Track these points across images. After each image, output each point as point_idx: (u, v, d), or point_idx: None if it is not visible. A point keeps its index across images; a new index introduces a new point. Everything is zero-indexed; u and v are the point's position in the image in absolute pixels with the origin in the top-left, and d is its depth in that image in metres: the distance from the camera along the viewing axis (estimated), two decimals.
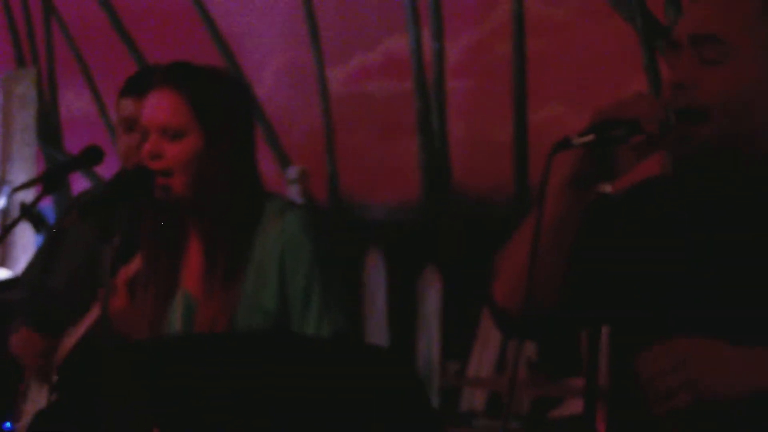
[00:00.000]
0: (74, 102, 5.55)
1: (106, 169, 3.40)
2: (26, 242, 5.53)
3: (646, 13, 4.22)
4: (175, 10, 5.28)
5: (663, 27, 4.17)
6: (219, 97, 2.65)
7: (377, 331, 4.60)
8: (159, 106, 2.63)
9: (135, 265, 2.69)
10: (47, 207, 5.41)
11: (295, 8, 5.00)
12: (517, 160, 4.47)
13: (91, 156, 3.04)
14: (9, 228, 3.08)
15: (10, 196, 5.42)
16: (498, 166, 4.49)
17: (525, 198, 4.41)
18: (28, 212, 2.93)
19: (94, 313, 2.98)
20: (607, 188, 1.96)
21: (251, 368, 1.88)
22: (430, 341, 4.48)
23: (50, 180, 2.90)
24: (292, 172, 4.83)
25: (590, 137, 1.97)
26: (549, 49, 4.44)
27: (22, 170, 5.70)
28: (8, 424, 3.25)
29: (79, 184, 5.08)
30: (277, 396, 1.87)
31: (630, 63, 4.22)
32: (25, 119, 5.71)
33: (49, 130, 5.68)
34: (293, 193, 4.78)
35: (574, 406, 3.59)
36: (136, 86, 3.13)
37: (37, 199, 2.89)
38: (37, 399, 3.15)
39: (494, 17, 4.58)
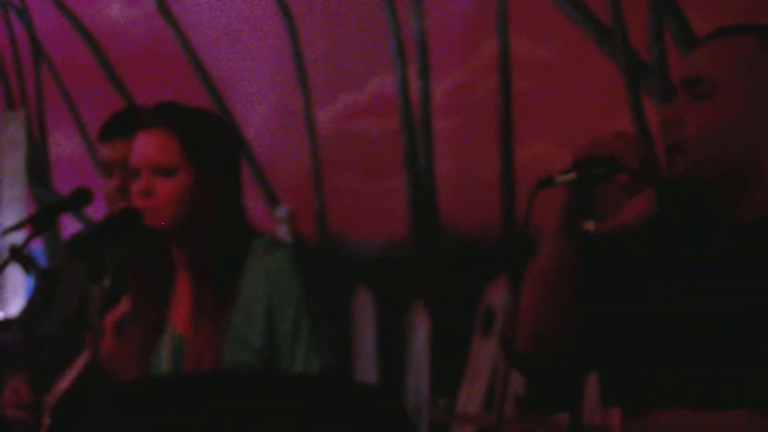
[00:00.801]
0: (63, 143, 5.57)
1: (97, 211, 3.43)
2: (17, 284, 5.54)
3: (630, 52, 4.26)
4: (164, 52, 5.32)
5: (646, 66, 4.21)
6: (208, 135, 2.69)
7: (366, 368, 4.61)
8: (150, 145, 2.67)
9: (123, 306, 2.71)
10: (37, 249, 5.42)
11: (282, 50, 5.04)
12: (504, 197, 4.50)
13: (80, 197, 3.06)
14: None
15: (0, 239, 5.44)
16: (485, 204, 4.51)
17: (512, 235, 4.43)
18: (18, 254, 2.94)
19: (85, 356, 2.99)
20: (590, 226, 1.98)
21: (239, 407, 1.88)
22: (419, 377, 4.49)
23: (39, 221, 2.91)
24: (281, 211, 4.86)
25: (572, 175, 2.01)
26: (534, 87, 4.48)
27: (12, 212, 5.71)
28: None
29: (69, 225, 5.10)
30: None
31: (614, 101, 4.26)
32: (14, 161, 5.74)
33: (38, 171, 5.70)
34: (282, 232, 4.80)
35: None
36: (110, 131, 3.18)
37: (27, 240, 2.91)
38: None
39: (480, 56, 4.61)
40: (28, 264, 3.02)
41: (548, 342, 2.04)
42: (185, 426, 1.89)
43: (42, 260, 5.36)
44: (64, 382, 3.07)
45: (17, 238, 3.65)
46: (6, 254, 2.98)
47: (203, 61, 5.25)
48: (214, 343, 2.58)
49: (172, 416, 1.90)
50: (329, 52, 4.93)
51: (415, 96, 4.74)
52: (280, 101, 5.06)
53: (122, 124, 3.20)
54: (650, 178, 2.05)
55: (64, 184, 5.42)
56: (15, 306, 5.48)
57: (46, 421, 2.98)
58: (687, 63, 2.11)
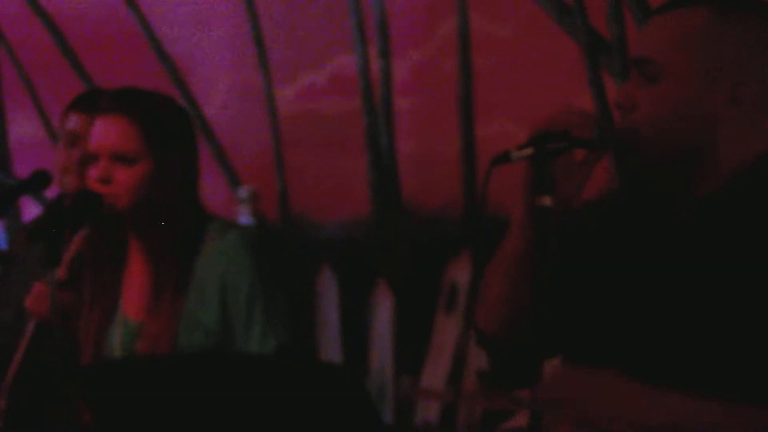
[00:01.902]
0: (23, 127, 5.54)
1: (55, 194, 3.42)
2: None
3: (590, 30, 4.27)
4: (123, 33, 5.29)
5: (606, 43, 4.23)
6: (168, 123, 2.70)
7: (331, 347, 4.62)
8: (110, 132, 2.67)
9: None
10: None
11: (242, 30, 5.03)
12: (465, 175, 4.51)
13: (39, 180, 3.06)
14: None
15: None
16: (447, 182, 4.53)
17: (473, 213, 4.45)
18: None
19: (27, 334, 2.97)
20: (547, 201, 1.99)
21: (195, 389, 1.89)
22: (383, 356, 4.50)
23: None
24: (243, 192, 4.85)
25: (527, 151, 2.01)
26: (495, 65, 4.49)
27: None
28: None
29: (30, 208, 5.08)
30: (222, 416, 1.88)
31: (575, 79, 4.28)
32: None
33: None
34: (244, 212, 4.80)
35: (526, 418, 3.62)
36: (85, 103, 3.15)
37: None
38: None
39: (440, 35, 4.62)
40: None
41: (515, 322, 2.04)
42: (139, 408, 1.89)
43: (2, 243, 5.34)
44: (15, 364, 3.06)
45: None
46: None
47: (163, 42, 5.23)
48: (170, 327, 2.59)
49: (126, 399, 1.90)
50: (289, 31, 4.92)
51: (376, 75, 4.74)
52: (240, 81, 5.05)
53: (97, 100, 3.18)
54: (606, 151, 2.06)
55: (24, 168, 5.39)
56: None
57: (2, 404, 2.97)
58: (636, 41, 2.10)
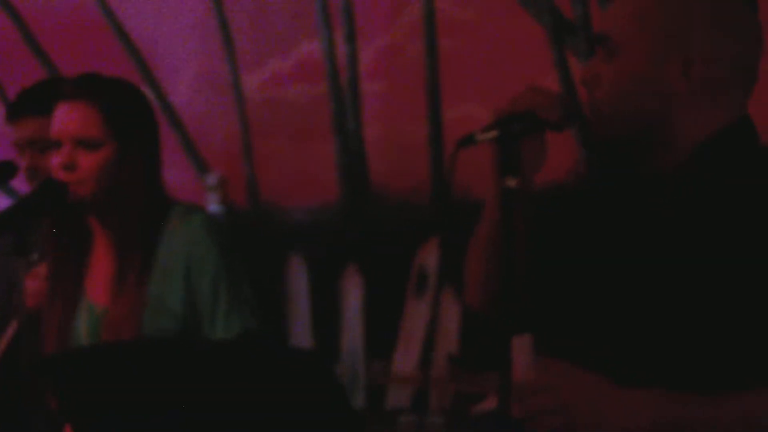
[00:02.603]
0: None
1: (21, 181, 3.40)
2: None
3: (555, 11, 4.28)
4: (87, 21, 5.27)
5: (571, 24, 4.24)
6: (130, 108, 2.70)
7: (301, 333, 4.63)
8: (72, 118, 2.66)
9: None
10: None
11: (207, 16, 5.01)
12: (433, 158, 4.52)
13: (4, 170, 3.04)
14: None
15: None
16: (414, 166, 4.53)
17: (441, 196, 4.46)
18: None
19: (13, 327, 2.98)
20: (512, 183, 2.00)
21: (160, 376, 1.88)
22: (353, 340, 4.51)
23: None
24: (211, 179, 4.85)
25: (492, 133, 2.02)
26: (461, 48, 4.50)
27: None
28: None
29: None
30: (189, 403, 1.88)
31: (541, 60, 4.29)
32: None
33: None
34: (212, 199, 4.79)
35: (496, 401, 3.63)
36: (15, 111, 3.15)
37: None
38: None
39: (405, 18, 4.62)
40: None
41: (497, 299, 2.05)
42: (104, 397, 1.89)
43: None
44: None
45: None
46: None
47: (127, 29, 5.21)
48: (135, 313, 2.59)
49: (93, 387, 1.90)
50: (255, 17, 4.91)
51: (342, 60, 4.74)
52: (207, 68, 5.03)
53: (26, 103, 3.17)
54: (568, 127, 2.07)
55: None
56: None
57: None
58: (599, 19, 2.12)
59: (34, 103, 3.08)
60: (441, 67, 4.54)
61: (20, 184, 3.87)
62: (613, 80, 2.04)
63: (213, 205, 4.76)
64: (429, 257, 4.34)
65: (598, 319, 2.02)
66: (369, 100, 4.69)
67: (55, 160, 2.63)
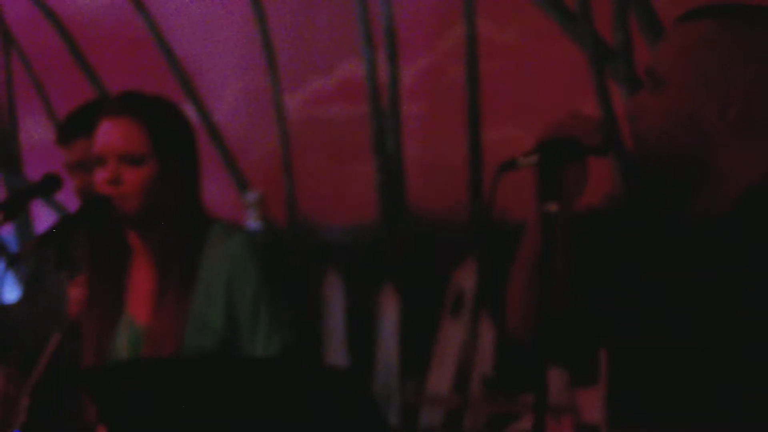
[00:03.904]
0: (34, 130, 5.57)
1: (68, 198, 3.45)
2: None
3: (595, 37, 4.30)
4: (133, 38, 5.32)
5: (612, 50, 4.25)
6: (172, 125, 2.72)
7: (336, 351, 4.65)
8: (117, 133, 2.69)
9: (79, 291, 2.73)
10: (8, 235, 5.43)
11: (251, 35, 5.05)
12: (471, 180, 4.54)
13: (50, 183, 3.08)
14: None
15: None
16: (453, 187, 4.55)
17: (479, 218, 4.47)
18: None
19: (55, 340, 3.01)
20: (553, 207, 1.99)
21: (200, 391, 1.90)
22: (388, 360, 4.53)
23: (9, 207, 2.93)
24: (251, 196, 4.88)
25: (534, 157, 2.02)
26: (501, 71, 4.52)
27: None
28: None
29: (41, 211, 5.11)
30: (227, 418, 1.89)
31: (580, 85, 4.30)
32: None
33: (9, 158, 5.70)
34: (251, 216, 4.82)
35: (530, 422, 3.64)
36: (64, 134, 3.20)
37: None
38: None
39: (447, 40, 4.65)
40: None
41: (534, 327, 2.02)
42: (145, 410, 1.91)
43: (13, 246, 5.37)
44: (40, 366, 3.08)
45: None
46: None
47: (172, 46, 5.26)
48: (175, 330, 2.61)
49: (132, 401, 1.91)
50: (298, 37, 4.95)
51: (383, 81, 4.77)
52: (249, 86, 5.08)
53: (76, 125, 3.21)
54: (609, 154, 2.06)
55: (35, 172, 5.42)
56: None
57: (25, 402, 3.00)
58: (650, 52, 2.10)
59: (83, 125, 3.13)
60: (481, 90, 4.56)
61: (71, 203, 3.92)
62: (656, 114, 2.02)
63: (251, 222, 4.79)
64: (465, 278, 4.36)
65: (640, 359, 2.01)
66: (409, 121, 4.72)
67: (100, 176, 2.65)
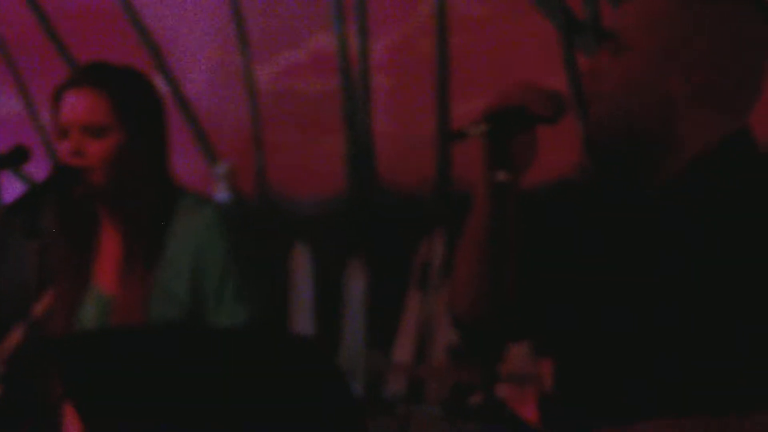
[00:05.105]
0: (4, 103, 5.57)
1: (38, 169, 3.46)
2: None
3: (566, 10, 4.31)
4: (105, 11, 5.32)
5: (581, 23, 4.27)
6: (138, 95, 2.71)
7: (304, 323, 4.67)
8: (79, 105, 2.68)
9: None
10: None
11: (222, 8, 5.06)
12: (440, 153, 4.55)
13: (18, 155, 3.07)
14: None
15: None
16: (422, 160, 4.57)
17: (447, 190, 4.49)
18: None
19: (36, 308, 3.01)
20: (502, 177, 1.97)
21: (165, 361, 1.90)
22: (355, 330, 4.55)
23: None
24: (221, 168, 4.89)
25: (483, 127, 2.01)
26: (471, 45, 4.53)
27: None
28: None
29: (10, 183, 5.10)
30: (191, 387, 1.89)
31: (550, 58, 4.32)
32: None
33: None
34: (221, 188, 4.83)
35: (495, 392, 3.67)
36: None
37: None
38: None
39: (418, 14, 4.66)
40: None
41: (481, 304, 2.00)
42: (110, 380, 1.91)
43: None
44: (16, 334, 3.09)
45: None
46: None
47: (143, 19, 5.26)
48: (142, 300, 2.61)
49: (99, 370, 1.92)
50: (269, 9, 4.95)
51: (354, 54, 4.78)
52: (220, 58, 5.08)
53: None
54: (558, 123, 2.06)
55: (4, 145, 5.41)
56: None
57: (1, 370, 3.00)
58: (611, 17, 2.09)
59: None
60: (451, 63, 4.58)
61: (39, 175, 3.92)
62: (615, 78, 2.03)
63: (221, 194, 4.80)
64: (432, 251, 4.38)
65: (598, 329, 2.01)
66: (379, 94, 4.73)
67: (63, 147, 2.65)
